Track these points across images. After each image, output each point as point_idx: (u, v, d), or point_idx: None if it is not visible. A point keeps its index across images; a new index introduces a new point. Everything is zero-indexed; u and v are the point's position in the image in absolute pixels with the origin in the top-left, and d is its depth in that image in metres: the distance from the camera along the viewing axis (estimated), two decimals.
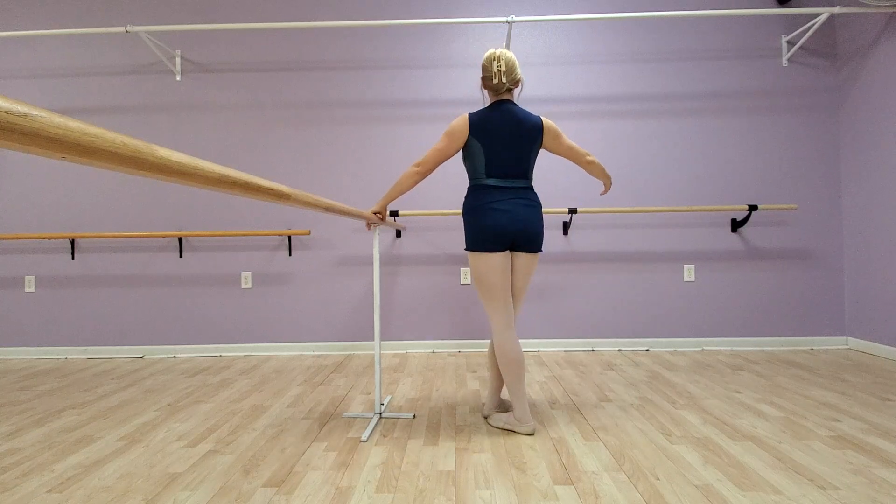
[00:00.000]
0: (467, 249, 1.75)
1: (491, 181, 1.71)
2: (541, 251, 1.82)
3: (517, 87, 1.73)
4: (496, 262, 1.69)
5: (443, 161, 1.75)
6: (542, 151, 3.10)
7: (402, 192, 1.77)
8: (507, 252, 1.71)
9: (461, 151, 1.79)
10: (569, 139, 1.82)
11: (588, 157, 1.83)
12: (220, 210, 3.15)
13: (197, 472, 1.48)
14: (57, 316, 3.15)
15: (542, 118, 1.76)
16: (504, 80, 1.67)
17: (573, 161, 1.85)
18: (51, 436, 1.78)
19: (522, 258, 1.76)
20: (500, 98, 1.73)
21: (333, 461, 1.54)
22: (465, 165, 1.79)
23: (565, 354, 2.97)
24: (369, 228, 1.97)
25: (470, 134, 1.70)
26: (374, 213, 1.84)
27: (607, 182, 1.93)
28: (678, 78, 3.11)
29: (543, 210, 2.94)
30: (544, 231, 3.10)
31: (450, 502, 1.28)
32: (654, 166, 3.10)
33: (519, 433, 1.74)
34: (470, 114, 1.71)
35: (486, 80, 1.72)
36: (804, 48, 3.09)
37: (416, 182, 1.76)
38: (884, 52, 2.75)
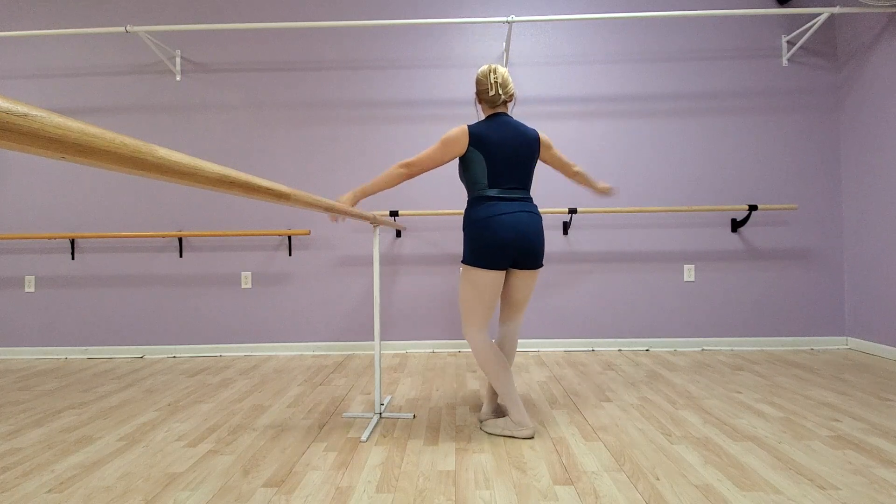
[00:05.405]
0: (466, 263, 1.68)
1: (493, 192, 1.67)
2: (542, 266, 1.77)
3: (511, 100, 1.75)
4: (493, 278, 1.66)
5: (432, 168, 1.71)
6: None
7: (382, 189, 1.73)
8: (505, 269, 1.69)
9: (459, 164, 1.76)
10: (559, 151, 1.85)
11: (574, 168, 1.87)
12: (220, 210, 3.15)
13: (197, 472, 1.48)
14: (57, 316, 3.15)
15: (536, 130, 1.77)
16: (500, 92, 1.69)
17: (561, 171, 1.87)
18: (51, 436, 1.78)
19: (522, 276, 1.73)
20: (495, 111, 1.73)
21: (333, 461, 1.54)
22: (464, 178, 1.75)
23: (565, 354, 2.97)
24: (334, 221, 1.71)
25: (470, 145, 1.67)
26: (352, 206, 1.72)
27: (602, 187, 1.92)
28: (678, 78, 3.11)
29: (543, 210, 2.94)
30: (545, 231, 3.11)
31: (450, 502, 1.28)
32: (653, 166, 3.10)
33: (518, 438, 1.70)
34: (469, 125, 1.69)
35: (482, 94, 1.71)
36: (804, 48, 3.09)
37: (400, 182, 1.71)
38: (884, 52, 2.75)
